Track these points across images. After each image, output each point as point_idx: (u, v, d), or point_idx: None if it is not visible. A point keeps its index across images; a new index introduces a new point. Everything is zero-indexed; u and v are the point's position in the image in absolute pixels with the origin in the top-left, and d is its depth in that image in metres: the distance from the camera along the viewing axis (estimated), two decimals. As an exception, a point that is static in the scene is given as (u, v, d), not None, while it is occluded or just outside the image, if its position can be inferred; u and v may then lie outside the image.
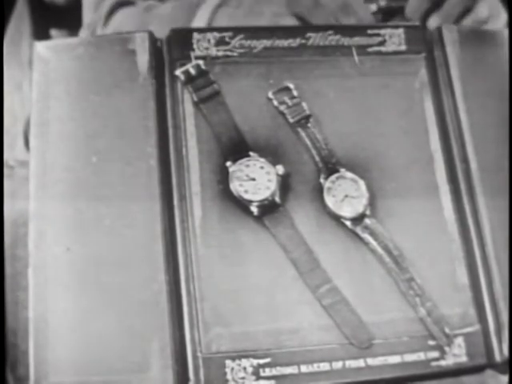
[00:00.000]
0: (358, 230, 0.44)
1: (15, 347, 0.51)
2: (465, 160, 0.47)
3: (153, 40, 0.46)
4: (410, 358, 0.42)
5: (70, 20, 0.74)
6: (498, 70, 0.49)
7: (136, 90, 0.45)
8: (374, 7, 0.52)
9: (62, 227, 0.42)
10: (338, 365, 0.41)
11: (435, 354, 0.42)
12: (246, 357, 0.40)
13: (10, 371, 0.51)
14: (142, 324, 0.40)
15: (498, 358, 0.43)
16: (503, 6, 0.62)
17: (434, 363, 0.42)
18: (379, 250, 0.43)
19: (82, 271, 0.41)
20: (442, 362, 0.42)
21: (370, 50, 0.48)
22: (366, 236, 0.44)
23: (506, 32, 0.56)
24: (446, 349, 0.42)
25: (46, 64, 0.45)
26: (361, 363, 0.41)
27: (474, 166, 0.46)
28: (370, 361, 0.41)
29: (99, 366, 0.39)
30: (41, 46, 0.46)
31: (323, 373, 0.41)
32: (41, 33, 0.81)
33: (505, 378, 0.47)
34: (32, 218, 0.42)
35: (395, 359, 0.42)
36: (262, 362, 0.40)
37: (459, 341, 0.42)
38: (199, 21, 0.59)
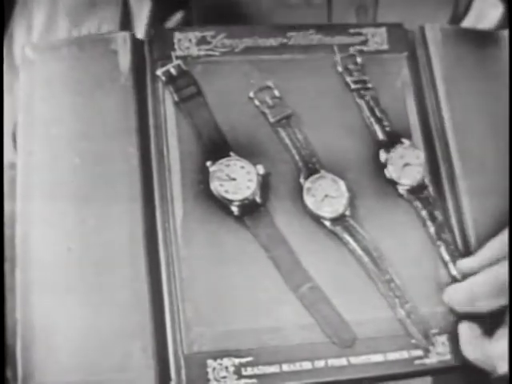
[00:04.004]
0: (338, 230, 0.44)
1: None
2: (448, 160, 0.47)
3: (134, 40, 0.46)
4: (393, 356, 0.42)
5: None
6: (482, 69, 0.49)
7: (118, 91, 0.45)
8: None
9: (46, 228, 0.42)
10: (320, 363, 0.41)
11: (419, 352, 0.42)
12: (228, 356, 0.40)
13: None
14: (123, 324, 0.40)
15: (482, 356, 0.43)
16: (503, 6, 0.61)
17: (417, 361, 0.42)
18: (358, 250, 0.43)
19: (65, 272, 0.41)
20: (426, 361, 0.42)
21: (351, 49, 0.48)
22: (346, 236, 0.43)
23: (489, 31, 0.56)
24: (430, 347, 0.42)
25: (31, 65, 0.45)
26: (343, 362, 0.41)
27: (457, 165, 0.46)
28: (353, 359, 0.41)
29: (82, 365, 0.39)
30: (28, 48, 0.46)
31: (305, 371, 0.41)
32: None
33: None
34: (18, 219, 0.42)
35: (378, 358, 0.42)
36: (243, 361, 0.40)
37: (443, 339, 0.42)
38: None
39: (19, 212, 0.42)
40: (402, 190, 0.45)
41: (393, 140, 0.46)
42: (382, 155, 0.46)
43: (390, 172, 0.45)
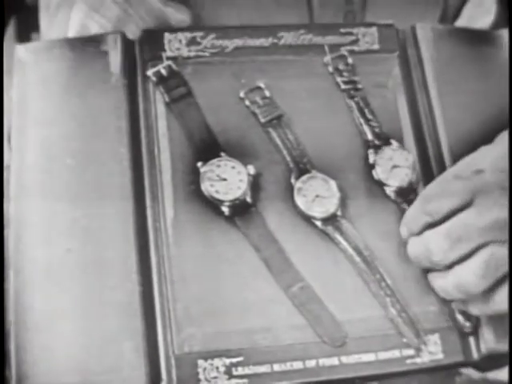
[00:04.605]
0: (329, 230, 0.44)
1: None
2: (440, 159, 0.47)
3: (125, 41, 0.46)
4: (384, 355, 0.42)
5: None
6: (474, 68, 0.50)
7: (109, 91, 0.45)
8: None
9: (38, 229, 0.42)
10: (311, 363, 0.41)
11: (410, 351, 0.42)
12: (219, 356, 0.40)
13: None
14: (115, 324, 0.40)
15: (475, 355, 0.43)
16: (503, 6, 0.62)
17: (409, 361, 0.42)
18: (349, 250, 0.43)
19: (58, 272, 0.41)
20: (418, 360, 0.42)
21: (342, 48, 0.48)
22: (337, 236, 0.43)
23: (482, 30, 0.56)
24: (422, 346, 0.42)
25: (24, 66, 0.46)
26: (335, 361, 0.41)
27: (448, 165, 0.46)
28: (344, 359, 0.41)
29: (74, 366, 0.39)
30: (21, 49, 0.46)
31: (296, 371, 0.41)
32: (24, 36, 0.81)
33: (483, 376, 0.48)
34: (12, 220, 0.42)
35: (369, 357, 0.41)
36: (234, 361, 0.40)
37: (435, 338, 0.42)
38: None
39: (12, 212, 0.42)
40: (389, 191, 0.45)
41: (382, 141, 0.46)
42: (371, 156, 0.46)
43: (378, 173, 0.45)
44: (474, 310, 0.42)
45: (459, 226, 0.40)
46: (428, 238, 0.41)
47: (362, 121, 0.47)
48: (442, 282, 0.41)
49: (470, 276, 0.40)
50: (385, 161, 0.46)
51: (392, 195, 0.45)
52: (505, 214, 0.40)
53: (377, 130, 0.47)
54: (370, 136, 0.47)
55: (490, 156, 0.42)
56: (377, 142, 0.46)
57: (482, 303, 0.41)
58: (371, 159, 0.46)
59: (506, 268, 0.40)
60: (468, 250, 0.40)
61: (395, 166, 0.46)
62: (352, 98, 0.47)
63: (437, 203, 0.41)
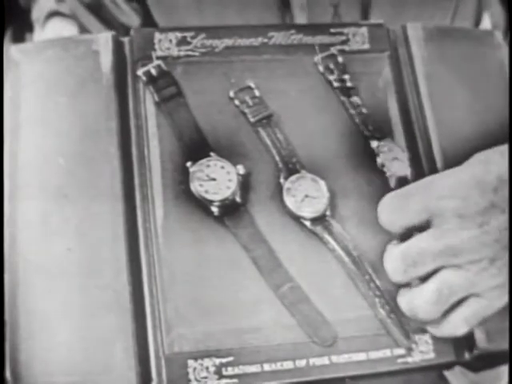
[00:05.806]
0: (318, 230, 0.44)
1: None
2: (431, 159, 0.47)
3: (116, 40, 0.46)
4: (375, 355, 0.42)
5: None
6: (464, 68, 0.50)
7: (100, 91, 0.45)
8: None
9: (31, 229, 0.42)
10: (301, 363, 0.41)
11: (401, 350, 0.42)
12: (209, 356, 0.40)
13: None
14: (105, 325, 0.40)
15: (466, 355, 0.43)
16: (503, 6, 0.62)
17: (400, 360, 0.42)
18: (338, 250, 0.43)
19: (49, 273, 0.41)
20: (409, 359, 0.42)
21: (333, 48, 0.48)
22: (326, 236, 0.43)
23: (474, 29, 0.56)
24: (413, 346, 0.42)
25: (17, 67, 0.46)
26: (325, 361, 0.41)
27: (439, 165, 0.46)
28: (335, 358, 0.41)
29: (65, 367, 0.39)
30: (14, 49, 0.46)
31: (287, 371, 0.41)
32: (18, 37, 0.81)
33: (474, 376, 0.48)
34: (6, 221, 0.42)
35: (360, 356, 0.42)
36: (224, 361, 0.40)
37: (426, 337, 0.42)
38: None
39: (6, 213, 0.42)
40: (389, 177, 0.45)
41: (379, 135, 0.47)
42: (374, 143, 0.46)
43: (382, 159, 0.45)
44: (433, 330, 0.42)
45: (414, 249, 0.40)
46: (386, 257, 0.42)
47: (354, 119, 0.47)
48: (400, 301, 0.42)
49: (421, 303, 0.40)
50: (386, 150, 0.46)
51: (392, 184, 0.45)
52: (458, 240, 0.39)
53: (370, 127, 0.47)
54: (366, 132, 0.47)
55: (452, 181, 0.40)
56: (376, 135, 0.46)
57: (439, 326, 0.41)
58: (374, 145, 0.46)
59: (461, 293, 0.39)
60: (422, 273, 0.40)
61: (395, 158, 0.46)
62: (345, 96, 0.47)
63: (391, 217, 0.41)
